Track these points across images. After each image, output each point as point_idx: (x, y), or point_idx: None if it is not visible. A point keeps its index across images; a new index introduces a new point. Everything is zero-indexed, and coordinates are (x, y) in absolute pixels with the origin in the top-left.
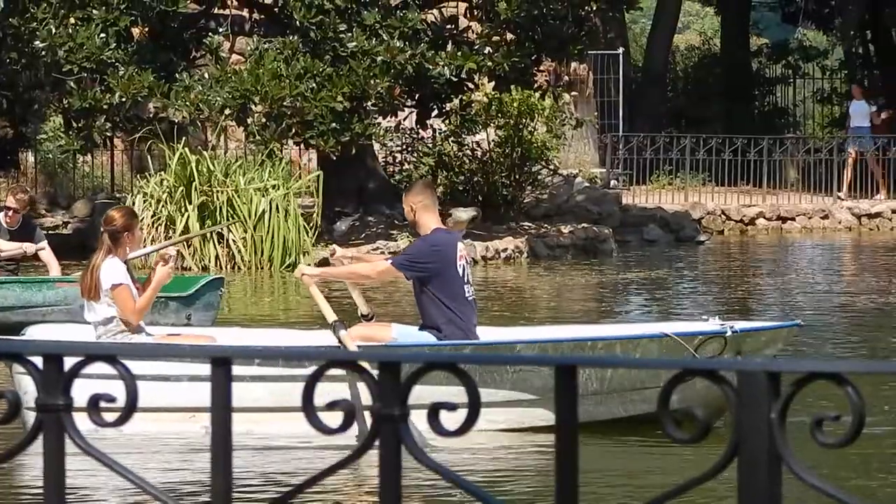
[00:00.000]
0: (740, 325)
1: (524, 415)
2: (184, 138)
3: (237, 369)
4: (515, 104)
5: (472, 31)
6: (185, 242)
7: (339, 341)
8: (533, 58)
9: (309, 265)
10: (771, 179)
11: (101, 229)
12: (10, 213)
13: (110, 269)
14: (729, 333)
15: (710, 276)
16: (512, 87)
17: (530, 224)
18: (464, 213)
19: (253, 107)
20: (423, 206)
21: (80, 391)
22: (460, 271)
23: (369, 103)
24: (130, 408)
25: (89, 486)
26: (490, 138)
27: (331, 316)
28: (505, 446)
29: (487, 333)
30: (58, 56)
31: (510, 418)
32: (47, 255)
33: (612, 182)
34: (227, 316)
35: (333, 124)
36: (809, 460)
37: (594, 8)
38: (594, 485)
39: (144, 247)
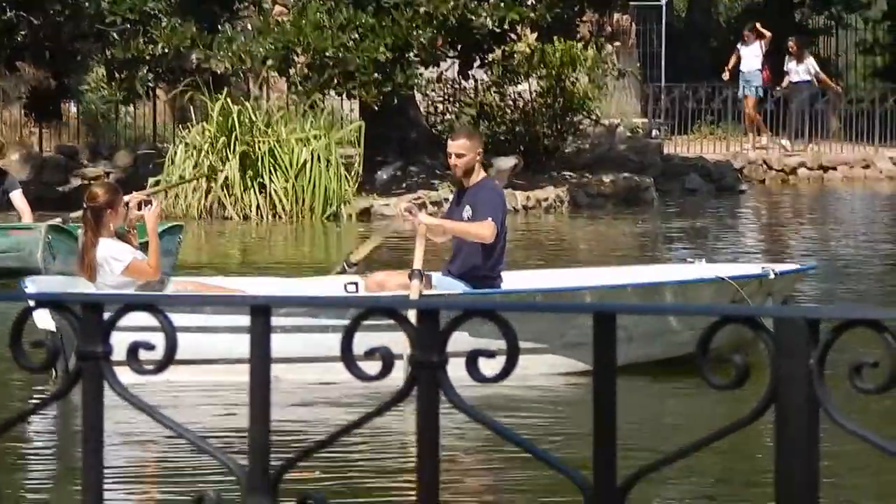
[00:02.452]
0: (780, 267)
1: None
2: (226, 89)
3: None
4: (558, 55)
5: None
6: (222, 192)
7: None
8: (576, 8)
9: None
10: (813, 129)
11: (84, 205)
12: None
13: (111, 253)
14: (772, 276)
15: (750, 224)
16: (554, 37)
17: (572, 173)
18: (505, 163)
19: (295, 58)
20: (481, 155)
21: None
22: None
23: (411, 54)
24: (169, 357)
25: (127, 434)
26: (532, 89)
27: (415, 264)
28: (543, 391)
29: (540, 277)
30: (101, 7)
31: (569, 362)
32: (20, 203)
33: (654, 132)
34: (266, 264)
35: (376, 75)
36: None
37: None
38: (629, 429)
39: (127, 222)
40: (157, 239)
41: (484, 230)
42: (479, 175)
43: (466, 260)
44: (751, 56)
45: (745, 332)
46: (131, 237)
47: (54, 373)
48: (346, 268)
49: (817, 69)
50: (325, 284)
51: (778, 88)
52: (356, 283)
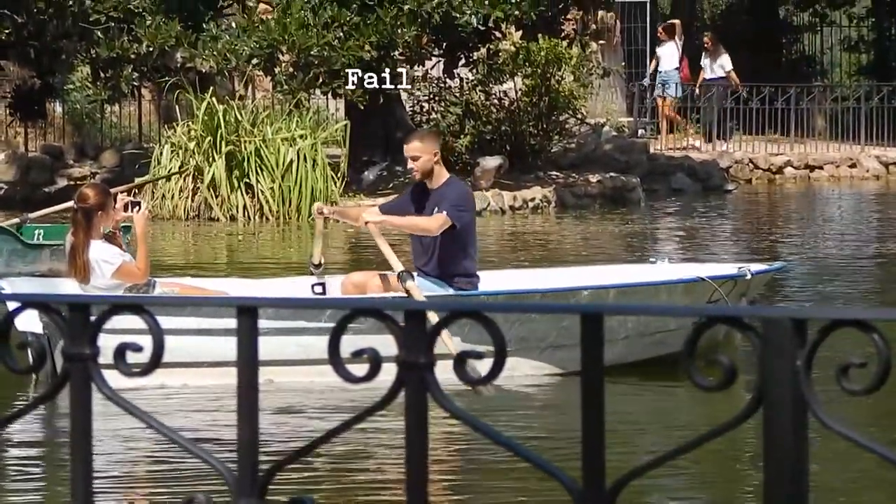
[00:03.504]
0: (755, 267)
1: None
2: (211, 88)
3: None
4: (543, 53)
5: None
6: (208, 192)
7: (406, 291)
8: (560, 6)
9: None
10: (798, 128)
11: (75, 206)
12: None
13: (101, 256)
14: (748, 276)
15: (738, 224)
16: (539, 35)
17: (558, 173)
18: (491, 162)
19: (280, 56)
20: (439, 157)
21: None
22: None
23: (396, 52)
24: (156, 359)
25: (116, 436)
26: (517, 87)
27: (397, 266)
28: (530, 392)
29: (520, 277)
30: (85, 5)
31: (554, 363)
32: None
33: (640, 131)
34: (251, 265)
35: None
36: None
37: None
38: (617, 430)
39: (113, 223)
40: (145, 241)
41: (430, 223)
42: (441, 176)
43: (442, 260)
44: (666, 55)
45: (716, 333)
46: (119, 239)
47: (35, 377)
48: (313, 270)
49: (730, 66)
50: (290, 286)
51: (696, 87)
52: (322, 284)
